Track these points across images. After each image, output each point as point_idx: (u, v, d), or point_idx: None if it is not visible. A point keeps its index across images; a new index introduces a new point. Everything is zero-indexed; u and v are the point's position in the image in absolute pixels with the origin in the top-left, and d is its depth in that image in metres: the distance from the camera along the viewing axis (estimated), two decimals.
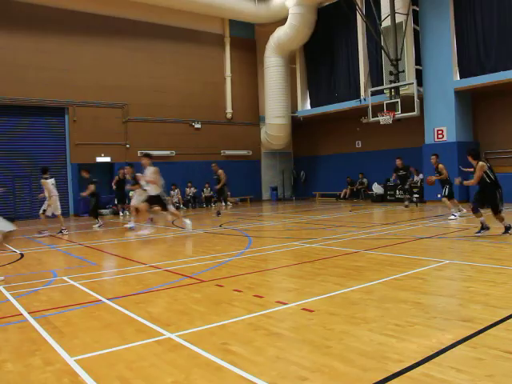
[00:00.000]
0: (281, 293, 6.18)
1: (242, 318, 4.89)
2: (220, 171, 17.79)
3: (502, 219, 9.84)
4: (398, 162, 17.75)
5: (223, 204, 20.93)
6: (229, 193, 19.37)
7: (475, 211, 9.83)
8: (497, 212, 9.73)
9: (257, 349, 4.01)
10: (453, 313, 4.81)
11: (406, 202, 17.82)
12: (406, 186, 18.20)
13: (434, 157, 14.39)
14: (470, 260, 7.26)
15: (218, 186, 18.05)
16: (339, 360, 3.69)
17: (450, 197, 13.79)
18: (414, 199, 18.81)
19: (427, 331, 4.25)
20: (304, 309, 5.12)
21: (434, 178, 13.79)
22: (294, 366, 3.61)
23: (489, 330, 4.19)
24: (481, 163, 9.83)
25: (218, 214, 18.19)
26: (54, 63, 20.30)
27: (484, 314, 4.63)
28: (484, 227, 9.92)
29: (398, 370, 3.43)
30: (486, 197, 9.77)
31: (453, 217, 13.37)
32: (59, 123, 20.92)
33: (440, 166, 13.93)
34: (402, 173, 17.78)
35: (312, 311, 5.01)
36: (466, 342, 3.92)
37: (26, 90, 19.64)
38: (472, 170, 14.92)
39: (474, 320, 4.47)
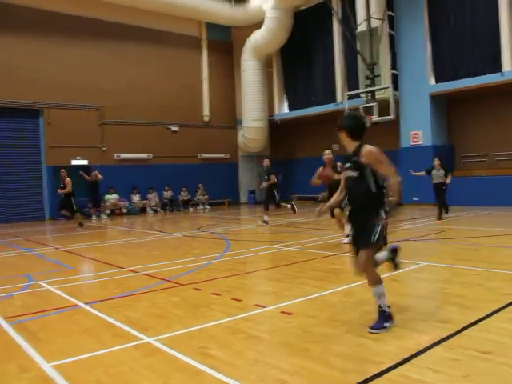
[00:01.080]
0: (259, 296, 6.19)
1: (221, 321, 4.88)
2: (67, 179, 15.81)
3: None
4: (266, 162, 15.18)
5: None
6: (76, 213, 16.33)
7: None
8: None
9: (236, 352, 4.01)
10: (430, 314, 4.87)
11: (266, 217, 14.78)
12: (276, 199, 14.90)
13: (328, 151, 10.74)
14: (446, 262, 7.35)
15: (62, 191, 15.85)
16: (318, 362, 3.70)
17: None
18: (288, 206, 15.04)
19: (405, 333, 4.29)
20: (283, 312, 5.12)
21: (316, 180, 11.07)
22: (273, 369, 3.61)
23: (464, 331, 4.25)
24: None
25: (81, 225, 15.86)
26: (28, 64, 19.88)
27: (460, 315, 4.70)
28: None
29: (377, 371, 3.46)
30: None
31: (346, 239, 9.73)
32: (34, 125, 20.57)
33: (338, 164, 10.41)
34: (265, 177, 15.04)
35: (291, 314, 5.02)
36: (443, 343, 3.97)
37: None
38: (422, 173, 14.60)
39: (450, 321, 4.54)
